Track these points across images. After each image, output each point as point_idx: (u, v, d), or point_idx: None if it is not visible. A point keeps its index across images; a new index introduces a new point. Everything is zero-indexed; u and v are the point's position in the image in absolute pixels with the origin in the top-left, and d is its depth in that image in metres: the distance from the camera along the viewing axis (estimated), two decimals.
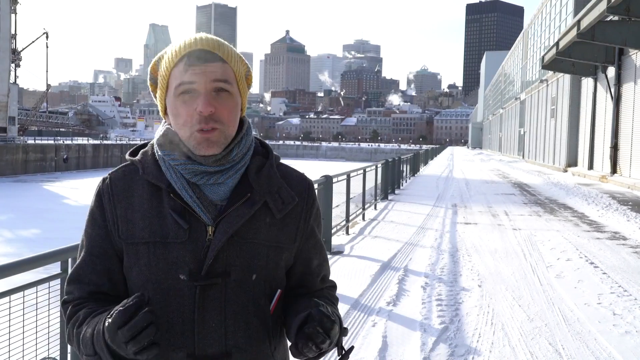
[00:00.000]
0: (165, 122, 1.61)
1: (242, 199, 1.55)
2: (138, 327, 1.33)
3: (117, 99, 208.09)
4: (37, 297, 3.07)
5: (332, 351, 1.65)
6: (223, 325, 1.53)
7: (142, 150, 1.63)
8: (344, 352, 1.56)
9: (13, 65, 77.38)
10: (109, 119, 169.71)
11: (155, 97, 1.62)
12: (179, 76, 1.50)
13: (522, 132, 61.85)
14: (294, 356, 1.51)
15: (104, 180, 1.61)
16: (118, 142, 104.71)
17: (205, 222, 1.52)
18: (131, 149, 1.66)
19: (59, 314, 3.05)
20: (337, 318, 1.54)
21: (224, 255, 1.52)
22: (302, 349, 1.45)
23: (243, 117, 1.64)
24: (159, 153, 1.58)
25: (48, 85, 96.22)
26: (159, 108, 1.61)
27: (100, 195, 1.59)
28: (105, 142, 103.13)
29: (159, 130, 1.62)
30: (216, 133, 1.51)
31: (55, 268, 3.22)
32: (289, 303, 1.65)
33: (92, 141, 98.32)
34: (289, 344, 1.52)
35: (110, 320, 1.36)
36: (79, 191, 49.28)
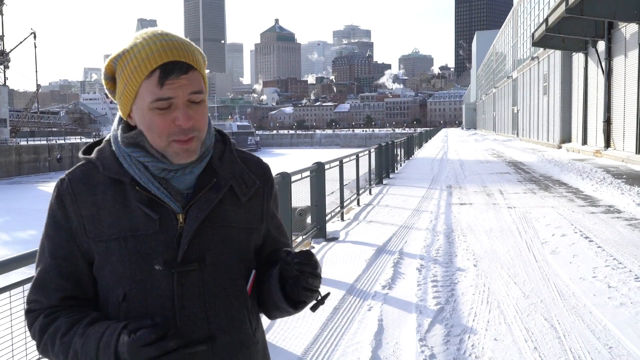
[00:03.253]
0: (123, 119, 1.57)
1: (208, 184, 1.57)
2: (167, 349, 1.34)
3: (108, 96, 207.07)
4: None
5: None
6: (204, 310, 1.53)
7: (97, 148, 1.59)
8: (320, 297, 1.58)
9: (2, 66, 77.17)
10: (101, 117, 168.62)
11: (113, 96, 1.56)
12: (153, 91, 1.45)
13: (515, 111, 61.82)
14: (292, 308, 1.58)
15: (62, 181, 1.56)
16: None
17: (174, 211, 1.52)
18: (83, 148, 1.62)
19: None
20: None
21: (198, 240, 1.53)
22: (301, 294, 1.52)
23: None
24: (124, 149, 1.54)
25: (38, 86, 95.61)
26: (120, 109, 1.56)
27: (60, 197, 1.55)
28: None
29: (117, 127, 1.58)
30: (194, 142, 1.51)
31: None
32: (262, 279, 1.68)
33: (85, 140, 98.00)
34: (280, 306, 1.59)
35: (135, 336, 1.35)
36: None
